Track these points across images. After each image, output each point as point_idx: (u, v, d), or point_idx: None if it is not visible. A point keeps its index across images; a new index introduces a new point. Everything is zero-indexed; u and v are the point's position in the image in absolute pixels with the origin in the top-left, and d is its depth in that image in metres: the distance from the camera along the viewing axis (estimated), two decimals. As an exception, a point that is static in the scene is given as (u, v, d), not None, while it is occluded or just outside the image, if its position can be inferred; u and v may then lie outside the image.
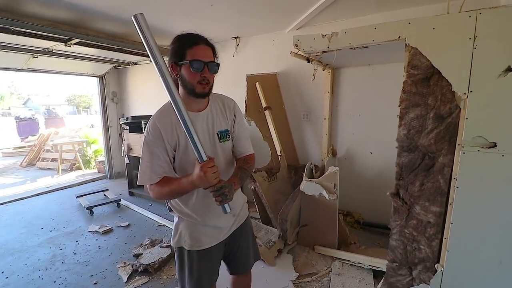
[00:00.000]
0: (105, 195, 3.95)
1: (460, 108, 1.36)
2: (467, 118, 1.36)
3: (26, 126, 9.67)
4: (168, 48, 1.11)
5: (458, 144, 1.37)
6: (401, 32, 1.48)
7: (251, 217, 2.27)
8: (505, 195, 1.33)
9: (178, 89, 1.06)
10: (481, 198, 1.38)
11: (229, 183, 1.00)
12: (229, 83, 3.48)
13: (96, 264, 2.34)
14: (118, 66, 4.40)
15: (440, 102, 1.39)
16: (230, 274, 1.39)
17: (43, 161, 6.13)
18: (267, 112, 2.77)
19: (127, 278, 2.12)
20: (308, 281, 2.01)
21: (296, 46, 1.81)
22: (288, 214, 2.32)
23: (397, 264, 1.68)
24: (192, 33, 1.04)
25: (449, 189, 1.43)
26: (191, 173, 0.98)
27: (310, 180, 2.29)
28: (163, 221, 3.10)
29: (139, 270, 2.17)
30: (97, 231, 2.92)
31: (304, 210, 2.47)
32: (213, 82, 1.08)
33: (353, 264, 2.10)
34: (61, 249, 2.60)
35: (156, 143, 1.04)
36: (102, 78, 4.57)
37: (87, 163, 5.87)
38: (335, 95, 2.76)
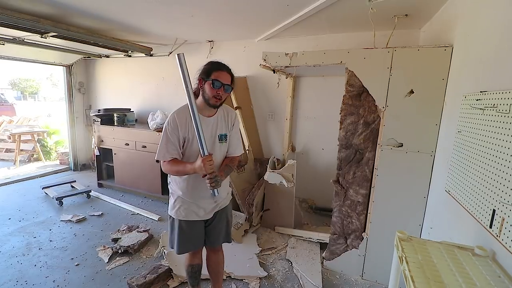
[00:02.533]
0: (72, 186, 3.97)
1: (380, 118, 1.88)
2: (384, 125, 1.88)
3: (-33, 113, 8.67)
4: (142, 45, 1.51)
5: (378, 144, 1.89)
6: (342, 58, 1.95)
7: None
8: (407, 179, 1.88)
9: (197, 98, 1.44)
10: (392, 182, 1.92)
11: (219, 174, 1.40)
12: (202, 82, 3.75)
13: (74, 249, 2.49)
14: (87, 57, 4.36)
15: (367, 112, 1.89)
16: (204, 246, 1.72)
17: (-5, 151, 5.73)
18: (237, 111, 3.12)
19: (108, 259, 2.33)
20: (269, 254, 2.45)
21: (265, 60, 2.20)
22: (254, 200, 2.73)
23: (336, 235, 2.18)
24: (222, 62, 1.45)
25: (372, 177, 1.95)
26: (194, 161, 1.37)
27: (272, 171, 2.71)
28: (137, 210, 3.29)
29: (119, 251, 2.39)
30: (70, 220, 3.01)
31: (267, 197, 2.90)
32: (225, 99, 1.45)
33: (305, 239, 2.59)
34: (35, 237, 2.67)
35: (173, 133, 1.40)
36: (69, 68, 4.48)
37: (47, 154, 5.64)
38: (295, 99, 3.22)
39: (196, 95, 1.46)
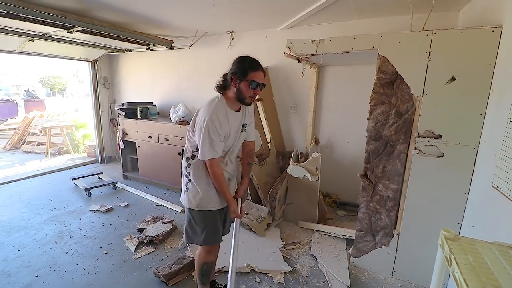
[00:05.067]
0: (99, 177, 4.12)
1: (415, 107, 1.74)
2: (420, 115, 1.74)
3: (4, 108, 9.29)
4: (163, 38, 1.48)
5: (412, 135, 1.76)
6: (375, 43, 1.82)
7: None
8: (445, 174, 1.74)
9: (224, 91, 1.48)
10: (428, 177, 1.79)
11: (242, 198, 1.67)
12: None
13: (103, 238, 2.58)
14: (111, 52, 4.46)
15: (400, 101, 1.76)
16: None
17: (28, 144, 6.08)
18: (259, 104, 3.06)
19: (135, 248, 2.39)
20: (293, 248, 2.40)
21: (289, 48, 2.11)
22: (276, 194, 2.68)
23: (363, 232, 2.09)
24: (255, 59, 1.44)
25: (404, 171, 1.82)
26: (233, 197, 1.59)
27: (296, 164, 2.64)
28: (160, 202, 3.36)
29: (145, 241, 2.45)
30: (98, 210, 3.13)
31: (290, 191, 2.84)
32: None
33: (330, 235, 2.51)
34: (66, 226, 2.80)
35: (216, 132, 1.39)
36: (94, 63, 4.62)
37: (75, 147, 5.91)
38: (319, 90, 3.10)
39: (221, 87, 1.48)
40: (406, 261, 1.95)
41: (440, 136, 1.73)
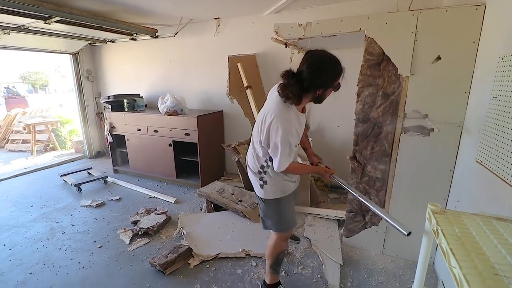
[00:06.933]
0: (89, 173, 4.05)
1: (402, 88, 1.76)
2: (407, 96, 1.76)
3: (-17, 107, 8.90)
4: (147, 26, 1.41)
5: (399, 116, 1.79)
6: (362, 25, 1.81)
7: (235, 186, 2.70)
8: (431, 153, 1.79)
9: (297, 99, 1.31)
10: (415, 157, 1.83)
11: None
12: (210, 62, 3.65)
13: (96, 232, 2.56)
14: (93, 43, 4.29)
15: (387, 83, 1.77)
16: None
17: (12, 142, 5.88)
18: (248, 91, 3.03)
19: (130, 240, 2.39)
20: (286, 232, 2.44)
21: (277, 33, 2.08)
22: (269, 180, 2.69)
23: (354, 213, 2.14)
24: (335, 59, 1.29)
25: (391, 151, 1.86)
26: (316, 165, 1.66)
27: (287, 150, 2.65)
28: (153, 194, 3.34)
29: (140, 233, 2.45)
30: (90, 205, 3.09)
31: (282, 177, 2.86)
32: None
33: (322, 217, 2.57)
34: (57, 222, 2.76)
35: (294, 139, 1.34)
36: (75, 56, 4.44)
37: (62, 143, 5.76)
38: (308, 76, 3.08)
39: (294, 99, 1.30)
40: (395, 238, 2.02)
41: (426, 116, 1.76)
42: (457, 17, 1.59)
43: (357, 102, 1.89)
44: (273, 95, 1.43)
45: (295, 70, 1.32)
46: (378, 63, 1.79)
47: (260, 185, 1.52)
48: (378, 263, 2.02)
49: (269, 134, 1.34)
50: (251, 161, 1.56)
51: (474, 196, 1.46)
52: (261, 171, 1.50)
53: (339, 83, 1.32)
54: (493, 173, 1.23)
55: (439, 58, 1.67)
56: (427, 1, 2.35)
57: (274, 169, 1.39)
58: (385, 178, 1.92)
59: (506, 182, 1.12)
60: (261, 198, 1.55)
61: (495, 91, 1.29)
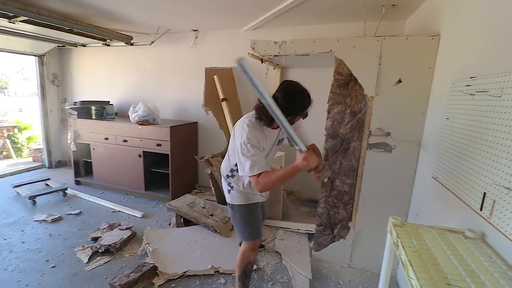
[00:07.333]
0: (47, 184, 3.73)
1: (367, 107, 1.87)
2: (372, 114, 1.88)
3: None
4: (122, 33, 1.40)
5: (365, 133, 1.89)
6: (332, 47, 1.92)
7: (207, 199, 2.65)
8: (393, 168, 1.90)
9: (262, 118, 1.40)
10: (379, 171, 1.93)
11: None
12: (186, 73, 3.63)
13: (50, 250, 2.33)
14: (62, 46, 4.08)
15: (354, 101, 1.88)
16: None
17: (-42, 149, 5.28)
18: (224, 103, 3.04)
19: (88, 259, 2.19)
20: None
21: (253, 48, 2.13)
22: (241, 193, 2.67)
23: (323, 226, 2.17)
24: (306, 93, 1.42)
25: (358, 166, 1.95)
26: (292, 163, 1.31)
27: (260, 164, 2.66)
28: (118, 207, 3.14)
29: (100, 251, 2.26)
30: (44, 220, 2.82)
31: (255, 190, 2.85)
32: None
33: (293, 231, 2.58)
34: (5, 239, 2.47)
35: (256, 147, 1.36)
36: (41, 58, 4.18)
37: (18, 151, 5.28)
38: (283, 91, 3.18)
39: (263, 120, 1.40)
40: (361, 251, 2.08)
41: (389, 134, 1.88)
42: (416, 45, 1.75)
43: (327, 118, 1.97)
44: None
45: (270, 91, 1.38)
46: (346, 83, 1.90)
47: (227, 190, 1.63)
48: (346, 276, 2.05)
49: (235, 141, 1.45)
50: (224, 164, 1.66)
51: (431, 209, 1.56)
52: (230, 175, 1.59)
53: (307, 112, 1.45)
54: (446, 188, 1.33)
55: (400, 81, 1.82)
56: (391, 29, 2.59)
57: (239, 174, 1.44)
58: (352, 192, 2.00)
59: (457, 197, 1.22)
60: (229, 204, 1.64)
61: (447, 113, 1.42)
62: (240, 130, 1.40)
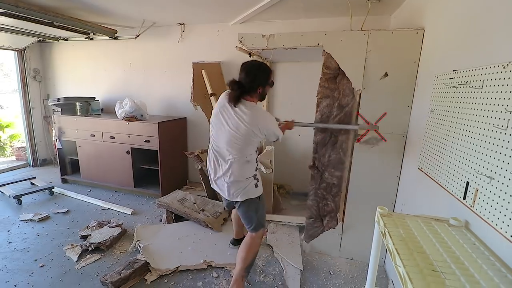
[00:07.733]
0: (32, 183, 3.63)
1: (354, 100, 1.90)
2: (360, 108, 1.90)
3: None
4: (105, 26, 1.51)
5: (354, 126, 1.92)
6: (320, 40, 1.93)
7: (197, 195, 2.65)
8: (380, 160, 1.94)
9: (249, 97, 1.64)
10: (367, 164, 1.97)
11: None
12: (174, 68, 3.56)
13: (38, 250, 2.28)
14: (42, 40, 3.92)
15: (342, 95, 1.90)
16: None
17: None
18: (212, 98, 3.01)
19: (78, 257, 2.16)
20: (249, 241, 2.43)
21: (241, 42, 2.11)
22: (232, 188, 2.67)
23: (313, 219, 2.21)
24: (268, 65, 1.72)
25: (346, 159, 1.98)
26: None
27: (251, 158, 2.67)
28: (107, 205, 3.09)
29: (90, 249, 2.23)
30: (31, 219, 2.75)
31: (246, 185, 2.86)
32: None
33: (284, 224, 2.61)
34: (-11, 240, 2.41)
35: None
36: (21, 53, 4.01)
37: (1, 149, 5.09)
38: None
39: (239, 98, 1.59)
40: (350, 241, 2.13)
41: (377, 128, 1.91)
42: (401, 39, 1.78)
43: (316, 112, 1.99)
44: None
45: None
46: (334, 77, 1.92)
47: (254, 184, 1.70)
48: (336, 266, 2.11)
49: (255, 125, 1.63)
50: (241, 172, 1.66)
51: (417, 199, 1.61)
52: (255, 173, 1.72)
53: (272, 81, 1.71)
54: (431, 178, 1.38)
55: (386, 74, 1.85)
56: (377, 23, 2.61)
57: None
58: (340, 184, 2.03)
59: (442, 186, 1.26)
60: (257, 197, 1.72)
61: (431, 105, 1.46)
62: (262, 113, 1.65)
